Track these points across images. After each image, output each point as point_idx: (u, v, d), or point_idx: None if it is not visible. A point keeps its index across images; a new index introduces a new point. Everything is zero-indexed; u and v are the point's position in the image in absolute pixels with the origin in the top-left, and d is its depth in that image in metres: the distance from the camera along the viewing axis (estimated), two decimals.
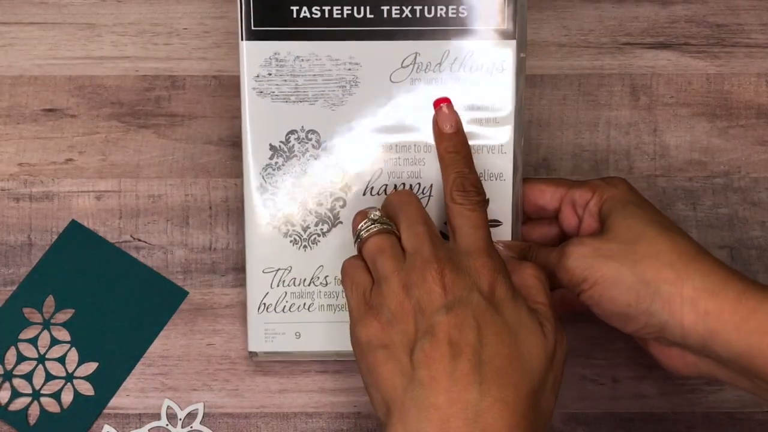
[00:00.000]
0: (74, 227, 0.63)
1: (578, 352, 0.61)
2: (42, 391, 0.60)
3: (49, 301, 0.62)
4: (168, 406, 0.60)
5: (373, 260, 0.50)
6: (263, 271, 0.57)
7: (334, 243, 0.57)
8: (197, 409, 0.60)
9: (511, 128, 0.56)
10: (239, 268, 0.62)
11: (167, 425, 0.60)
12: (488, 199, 0.55)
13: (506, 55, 0.56)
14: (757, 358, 0.47)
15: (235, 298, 0.62)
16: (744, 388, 0.50)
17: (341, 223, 0.57)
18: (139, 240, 0.63)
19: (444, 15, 0.55)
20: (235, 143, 0.63)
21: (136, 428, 0.60)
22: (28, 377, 0.61)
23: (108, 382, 0.60)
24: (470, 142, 0.55)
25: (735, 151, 0.65)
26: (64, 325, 0.61)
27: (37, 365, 0.61)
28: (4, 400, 0.60)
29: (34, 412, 0.60)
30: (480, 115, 0.56)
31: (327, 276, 0.57)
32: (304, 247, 0.57)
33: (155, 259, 0.63)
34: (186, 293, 0.62)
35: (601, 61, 0.66)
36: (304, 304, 0.57)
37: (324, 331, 0.57)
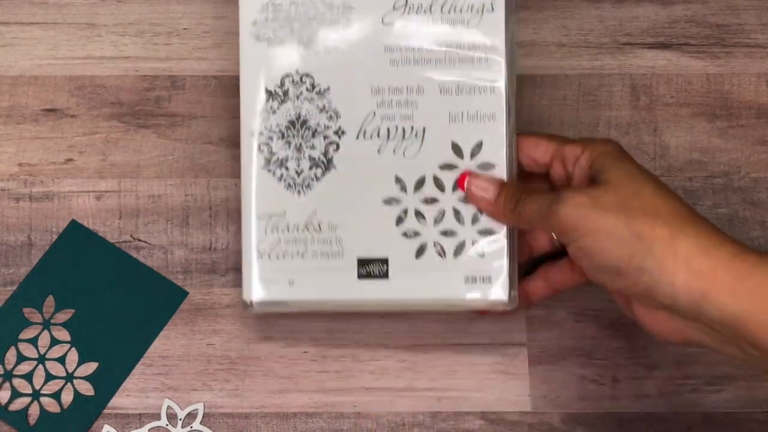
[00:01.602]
0: (74, 227, 0.63)
1: (578, 352, 0.61)
2: (42, 391, 0.60)
3: (49, 301, 0.62)
4: (168, 406, 0.60)
5: None
6: (257, 217, 0.57)
7: (328, 188, 0.57)
8: (197, 409, 0.60)
9: (503, 68, 0.57)
10: (239, 268, 0.62)
11: (167, 425, 0.60)
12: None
13: None
14: (749, 323, 0.46)
15: (235, 298, 0.62)
16: (731, 355, 0.49)
17: (335, 168, 0.57)
18: (139, 240, 0.63)
19: None
20: (235, 143, 0.63)
21: (136, 428, 0.60)
22: (28, 377, 0.61)
23: (108, 382, 0.60)
24: (461, 81, 0.56)
25: (735, 151, 0.65)
26: (64, 325, 0.61)
27: (37, 365, 0.61)
28: (4, 400, 0.60)
29: (34, 412, 0.60)
30: (471, 55, 0.56)
31: (320, 222, 0.57)
32: (298, 192, 0.57)
33: (155, 259, 0.63)
34: (186, 293, 0.62)
35: (601, 61, 0.66)
36: (298, 251, 0.57)
37: (317, 278, 0.57)
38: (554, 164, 0.56)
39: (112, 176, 0.64)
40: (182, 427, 0.60)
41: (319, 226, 0.57)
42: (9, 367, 0.61)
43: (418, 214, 0.56)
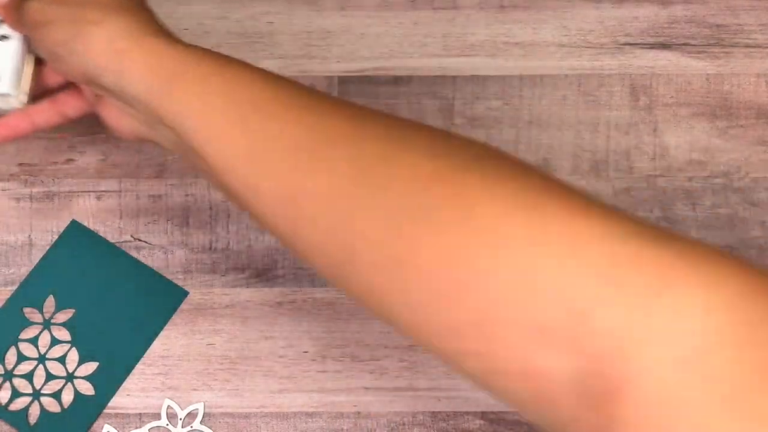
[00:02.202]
0: (75, 227, 0.63)
1: None
2: (42, 391, 0.60)
3: (50, 301, 0.62)
4: (168, 406, 0.60)
5: None
6: None
7: None
8: (197, 409, 0.60)
9: None
10: (239, 268, 0.62)
11: (167, 425, 0.60)
12: None
13: None
14: (157, 99, 0.47)
15: (235, 298, 0.62)
16: (178, 154, 0.50)
17: None
18: (140, 240, 0.63)
19: None
20: None
21: (137, 428, 0.60)
22: (29, 377, 0.61)
23: (108, 381, 0.61)
24: None
25: (735, 151, 0.65)
26: (65, 324, 0.61)
27: (37, 365, 0.61)
28: (5, 400, 0.60)
29: (34, 412, 0.60)
30: None
31: None
32: None
33: (155, 259, 0.63)
34: (186, 293, 0.62)
35: (601, 61, 0.66)
36: None
37: None
38: None
39: (113, 176, 0.64)
40: (182, 427, 0.60)
41: None
42: (9, 366, 0.61)
43: None
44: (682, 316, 0.34)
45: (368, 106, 0.46)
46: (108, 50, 0.49)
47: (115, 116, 0.52)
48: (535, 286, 0.36)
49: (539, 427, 0.39)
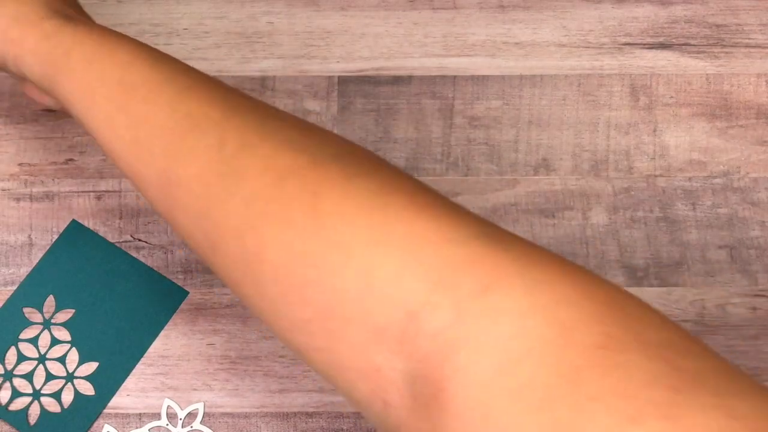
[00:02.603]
0: (75, 227, 0.63)
1: None
2: (42, 391, 0.60)
3: (50, 301, 0.62)
4: (168, 406, 0.60)
5: None
6: None
7: None
8: (197, 409, 0.60)
9: None
10: None
11: (167, 425, 0.60)
12: None
13: None
14: (54, 82, 0.48)
15: (234, 298, 0.62)
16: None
17: None
18: (140, 240, 0.63)
19: None
20: None
21: (137, 428, 0.60)
22: (29, 377, 0.61)
23: (108, 381, 0.61)
24: None
25: (735, 151, 0.65)
26: (65, 324, 0.61)
27: (37, 365, 0.61)
28: (5, 400, 0.60)
29: (34, 412, 0.60)
30: None
31: None
32: None
33: (155, 258, 0.63)
34: (186, 293, 0.62)
35: (601, 61, 0.66)
36: None
37: None
38: None
39: (113, 176, 0.64)
40: (182, 427, 0.60)
41: None
42: (9, 366, 0.61)
43: None
44: (500, 318, 0.33)
45: (242, 92, 0.46)
46: (4, 40, 0.49)
47: (37, 93, 0.54)
48: (373, 286, 0.36)
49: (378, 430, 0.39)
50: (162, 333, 0.61)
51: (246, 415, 0.60)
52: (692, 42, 0.66)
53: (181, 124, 0.43)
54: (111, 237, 0.63)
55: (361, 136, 0.65)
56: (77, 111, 0.47)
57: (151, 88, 0.45)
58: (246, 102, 0.45)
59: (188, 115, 0.44)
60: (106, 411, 0.60)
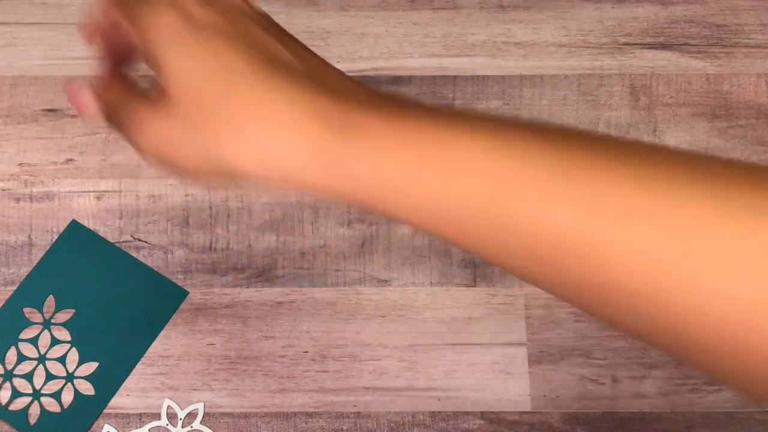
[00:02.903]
0: (75, 227, 0.63)
1: (578, 352, 0.61)
2: (42, 391, 0.60)
3: (50, 301, 0.62)
4: (168, 406, 0.60)
5: None
6: None
7: None
8: (197, 409, 0.60)
9: None
10: (239, 268, 0.62)
11: (167, 425, 0.60)
12: None
13: None
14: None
15: (235, 298, 0.62)
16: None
17: None
18: (140, 240, 0.63)
19: None
20: None
21: (137, 428, 0.60)
22: (29, 377, 0.61)
23: (108, 381, 0.61)
24: None
25: (735, 151, 0.65)
26: (65, 324, 0.61)
27: (37, 365, 0.61)
28: (5, 400, 0.60)
29: (34, 412, 0.60)
30: None
31: None
32: None
33: (155, 259, 0.63)
34: (186, 293, 0.62)
35: (601, 61, 0.66)
36: None
37: None
38: None
39: (113, 176, 0.64)
40: (182, 427, 0.60)
41: None
42: (9, 366, 0.61)
43: None
44: None
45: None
46: (266, 163, 0.34)
47: (174, 144, 0.37)
48: None
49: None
50: (162, 333, 0.61)
51: (246, 415, 0.60)
52: (692, 42, 0.66)
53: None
54: (111, 237, 0.63)
55: None
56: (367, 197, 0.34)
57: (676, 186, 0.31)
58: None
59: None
60: (106, 411, 0.60)
